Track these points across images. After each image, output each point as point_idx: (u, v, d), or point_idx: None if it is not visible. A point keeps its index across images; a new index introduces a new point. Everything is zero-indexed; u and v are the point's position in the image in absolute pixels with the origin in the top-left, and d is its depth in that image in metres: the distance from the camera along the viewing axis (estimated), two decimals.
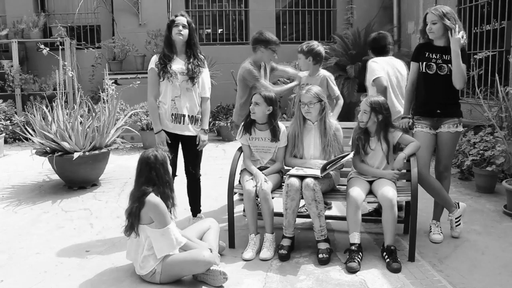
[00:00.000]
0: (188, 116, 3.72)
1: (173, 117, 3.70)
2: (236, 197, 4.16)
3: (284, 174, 3.73)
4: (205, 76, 3.81)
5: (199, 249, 3.05)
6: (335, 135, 3.58)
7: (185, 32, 3.67)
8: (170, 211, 3.07)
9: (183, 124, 3.71)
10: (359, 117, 3.53)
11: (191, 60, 3.71)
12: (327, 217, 3.71)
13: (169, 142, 3.72)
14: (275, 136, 3.64)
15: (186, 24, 3.67)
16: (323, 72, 4.17)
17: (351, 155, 3.48)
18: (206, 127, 3.82)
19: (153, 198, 2.99)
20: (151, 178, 3.02)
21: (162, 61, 3.68)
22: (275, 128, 3.64)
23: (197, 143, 3.77)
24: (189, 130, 3.74)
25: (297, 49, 4.16)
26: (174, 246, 2.99)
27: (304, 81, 4.15)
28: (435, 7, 3.53)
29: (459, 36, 3.42)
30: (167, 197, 3.06)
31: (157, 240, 2.98)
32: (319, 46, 4.13)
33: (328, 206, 4.31)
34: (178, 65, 3.68)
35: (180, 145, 3.85)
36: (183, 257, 3.00)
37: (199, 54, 3.77)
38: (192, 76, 3.68)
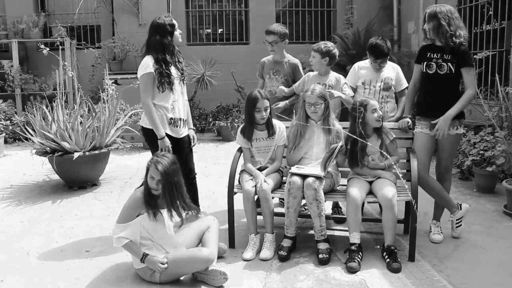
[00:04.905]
0: (183, 119, 3.74)
1: (172, 121, 3.67)
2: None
3: (283, 174, 3.73)
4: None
5: (198, 247, 3.04)
6: (337, 135, 3.59)
7: None
8: (154, 216, 3.03)
9: (179, 127, 3.71)
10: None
11: (178, 63, 3.71)
12: (327, 217, 3.71)
13: (172, 146, 3.62)
14: (271, 131, 3.68)
15: None
16: (334, 74, 4.09)
17: (341, 143, 3.45)
18: (192, 125, 3.95)
19: (135, 191, 3.06)
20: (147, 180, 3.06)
21: (164, 66, 3.53)
22: (270, 123, 3.69)
23: (192, 142, 3.85)
24: (182, 132, 3.75)
25: (312, 47, 4.07)
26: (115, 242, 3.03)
27: (314, 80, 4.04)
28: (430, 6, 3.50)
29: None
30: (150, 205, 3.01)
31: None
32: (335, 49, 4.08)
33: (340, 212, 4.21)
34: (173, 69, 3.63)
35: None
36: (181, 255, 3.01)
37: (180, 56, 3.77)
38: (183, 80, 3.74)
